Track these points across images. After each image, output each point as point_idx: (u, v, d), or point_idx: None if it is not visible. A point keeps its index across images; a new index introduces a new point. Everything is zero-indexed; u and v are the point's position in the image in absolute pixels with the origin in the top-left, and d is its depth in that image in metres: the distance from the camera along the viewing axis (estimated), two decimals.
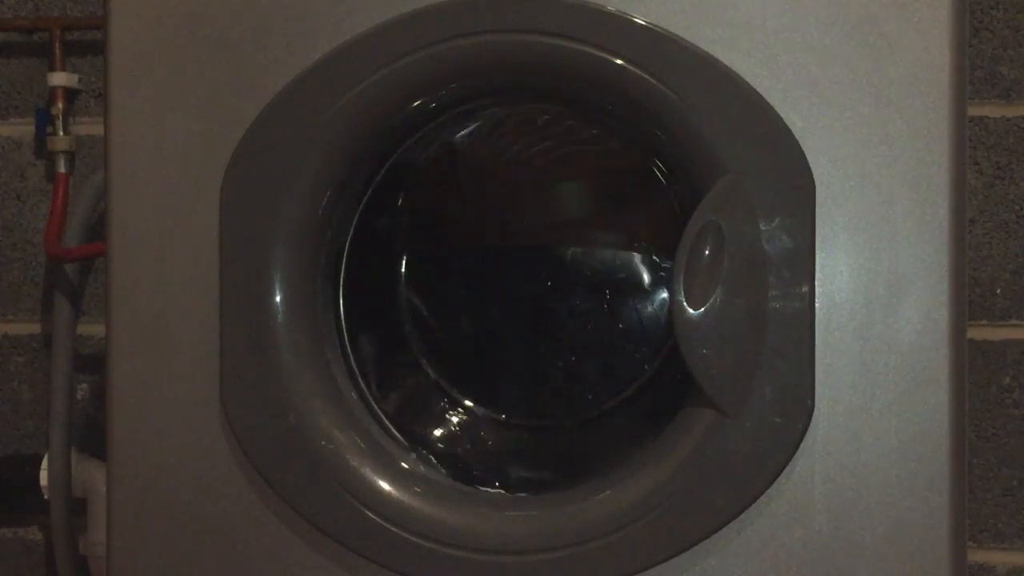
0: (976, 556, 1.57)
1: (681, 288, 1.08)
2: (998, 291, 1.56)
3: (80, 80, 1.68)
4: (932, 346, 1.08)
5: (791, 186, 1.08)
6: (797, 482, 1.10)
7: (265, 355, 1.15)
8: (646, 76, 1.09)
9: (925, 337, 1.08)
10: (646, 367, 1.31)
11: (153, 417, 1.18)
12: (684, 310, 1.08)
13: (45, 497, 1.60)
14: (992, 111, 1.55)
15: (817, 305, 1.09)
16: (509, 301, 1.33)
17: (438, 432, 1.30)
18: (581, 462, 1.29)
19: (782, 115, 1.09)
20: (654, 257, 1.30)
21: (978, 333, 1.55)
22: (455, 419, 1.32)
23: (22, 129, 1.70)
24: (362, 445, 1.16)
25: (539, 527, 1.13)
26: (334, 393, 1.17)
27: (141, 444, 1.18)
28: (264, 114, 1.15)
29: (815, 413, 1.09)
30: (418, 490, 1.15)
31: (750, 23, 1.09)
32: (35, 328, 1.71)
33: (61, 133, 1.65)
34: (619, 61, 1.10)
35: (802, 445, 1.09)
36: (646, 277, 1.31)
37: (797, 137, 1.09)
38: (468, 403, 1.32)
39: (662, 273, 1.30)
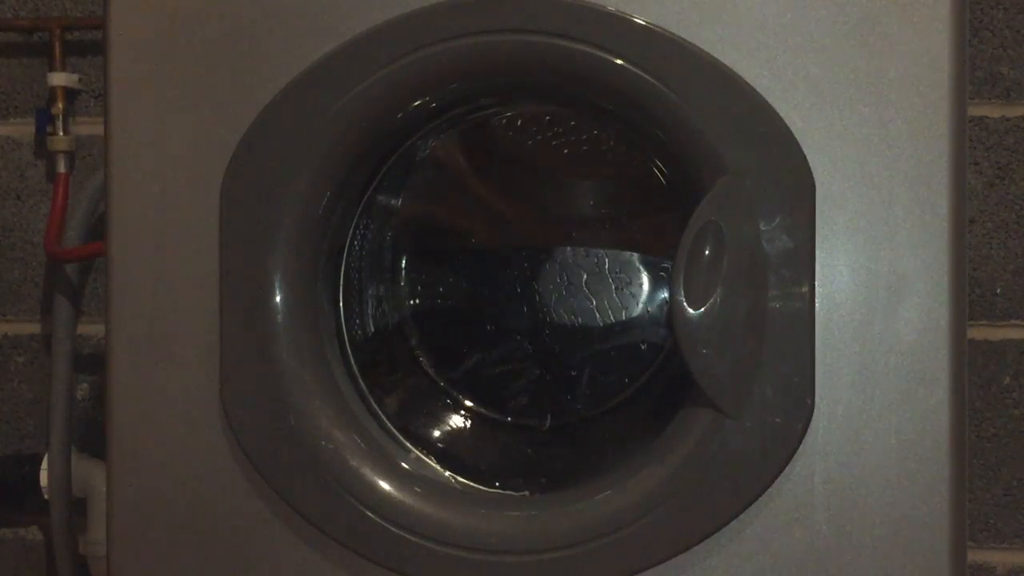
0: (976, 556, 1.57)
1: (681, 288, 1.08)
2: (998, 291, 1.56)
3: (80, 80, 1.68)
4: (932, 346, 1.08)
5: (791, 186, 1.08)
6: (797, 482, 1.10)
7: (265, 355, 1.15)
8: (646, 76, 1.09)
9: (925, 337, 1.08)
10: (646, 367, 1.31)
11: (153, 417, 1.18)
12: (684, 310, 1.08)
13: (45, 497, 1.60)
14: (992, 111, 1.55)
15: (817, 305, 1.09)
16: (509, 301, 1.33)
17: (438, 432, 1.30)
18: (581, 462, 1.29)
19: (782, 115, 1.09)
20: (654, 257, 1.30)
21: (978, 333, 1.55)
22: (455, 419, 1.32)
23: (22, 129, 1.70)
24: (362, 445, 1.16)
25: (539, 527, 1.13)
26: (334, 393, 1.17)
27: (141, 444, 1.18)
28: (264, 114, 1.15)
29: (815, 413, 1.09)
30: (418, 490, 1.15)
31: (750, 23, 1.09)
32: (35, 328, 1.71)
33: (61, 133, 1.65)
34: (619, 61, 1.10)
35: (802, 445, 1.09)
36: (646, 277, 1.31)
37: (797, 137, 1.09)
38: (468, 403, 1.32)
39: (662, 273, 1.30)
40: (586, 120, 1.27)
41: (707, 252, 1.08)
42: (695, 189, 1.10)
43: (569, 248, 1.32)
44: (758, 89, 1.09)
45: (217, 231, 1.16)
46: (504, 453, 1.32)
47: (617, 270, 1.31)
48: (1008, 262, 1.55)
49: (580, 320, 1.32)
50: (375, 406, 1.22)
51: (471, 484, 1.20)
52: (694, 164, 1.10)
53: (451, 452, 1.26)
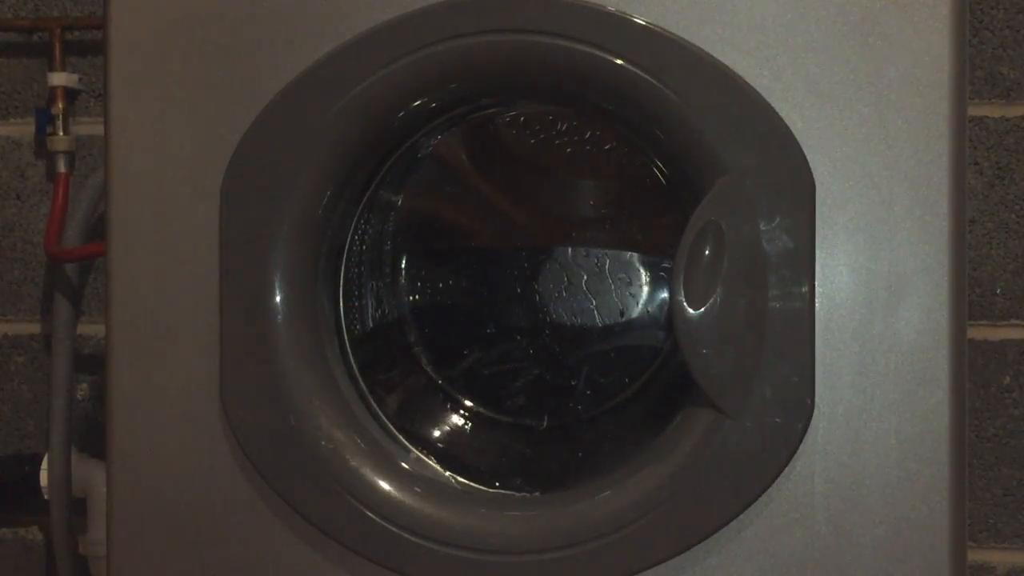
0: (976, 556, 1.57)
1: (681, 288, 1.08)
2: (998, 291, 1.56)
3: (80, 80, 1.68)
4: (932, 346, 1.08)
5: (791, 186, 1.08)
6: (797, 482, 1.10)
7: (265, 355, 1.15)
8: (646, 76, 1.09)
9: (925, 337, 1.08)
10: (646, 368, 1.31)
11: (153, 417, 1.18)
12: (684, 310, 1.08)
13: (45, 497, 1.60)
14: (992, 111, 1.55)
15: (817, 305, 1.09)
16: (509, 301, 1.33)
17: (438, 432, 1.30)
18: (581, 462, 1.29)
19: (782, 115, 1.09)
20: (654, 257, 1.30)
21: (978, 333, 1.55)
22: (454, 419, 1.32)
23: (22, 129, 1.70)
24: (362, 445, 1.16)
25: (539, 527, 1.13)
26: (334, 393, 1.17)
27: (141, 444, 1.18)
28: (264, 114, 1.15)
29: (815, 413, 1.09)
30: (418, 490, 1.15)
31: (750, 23, 1.09)
32: (35, 328, 1.71)
33: (61, 133, 1.65)
34: (619, 61, 1.10)
35: (802, 445, 1.09)
36: (646, 277, 1.31)
37: (797, 137, 1.09)
38: (468, 403, 1.32)
39: (662, 273, 1.30)
40: (586, 120, 1.27)
41: (707, 252, 1.08)
42: (695, 189, 1.10)
43: (569, 248, 1.32)
44: (758, 89, 1.09)
45: (217, 231, 1.16)
46: (503, 453, 1.32)
47: (617, 270, 1.31)
48: (1008, 262, 1.55)
49: (580, 320, 1.32)
50: (375, 406, 1.22)
51: (471, 484, 1.20)
52: (694, 164, 1.10)
53: (451, 452, 1.26)
